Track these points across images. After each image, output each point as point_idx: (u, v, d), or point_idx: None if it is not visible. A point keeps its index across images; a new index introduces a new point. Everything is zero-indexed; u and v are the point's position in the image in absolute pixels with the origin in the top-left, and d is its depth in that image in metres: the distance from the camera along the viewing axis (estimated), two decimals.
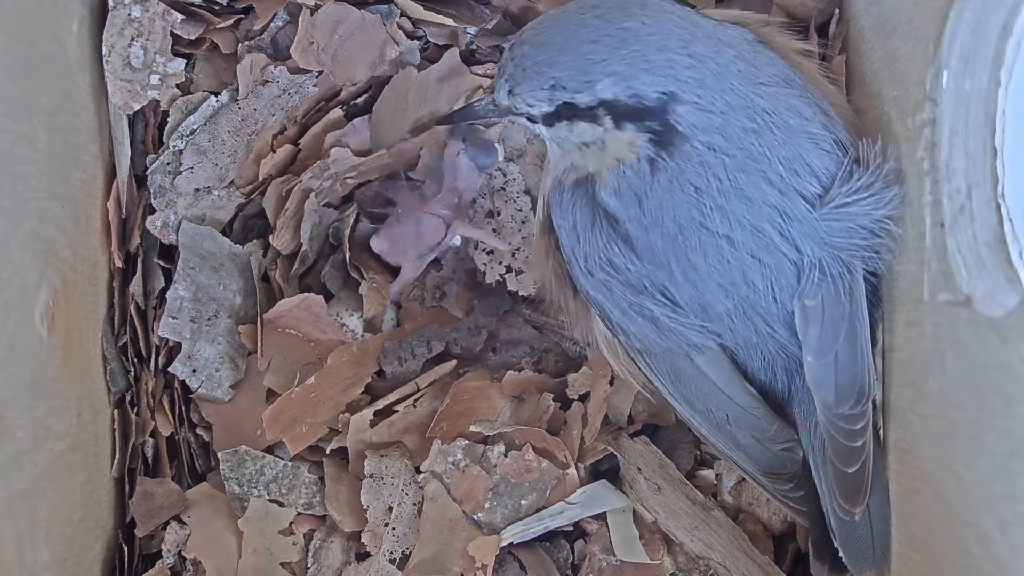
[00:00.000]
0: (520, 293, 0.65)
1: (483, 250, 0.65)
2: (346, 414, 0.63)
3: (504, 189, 0.66)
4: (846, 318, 0.51)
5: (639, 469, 0.62)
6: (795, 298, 0.52)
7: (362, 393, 0.64)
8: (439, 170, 0.65)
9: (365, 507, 0.61)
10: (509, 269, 0.65)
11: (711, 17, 0.52)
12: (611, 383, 0.63)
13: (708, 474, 0.63)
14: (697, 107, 0.49)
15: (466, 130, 0.65)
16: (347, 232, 0.65)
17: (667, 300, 0.53)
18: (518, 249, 0.65)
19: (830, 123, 0.52)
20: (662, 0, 0.50)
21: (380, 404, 0.63)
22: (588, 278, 0.54)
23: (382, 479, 0.62)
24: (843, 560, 0.54)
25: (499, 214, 0.66)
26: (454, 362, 0.64)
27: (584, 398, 0.63)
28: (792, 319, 0.52)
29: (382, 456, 0.62)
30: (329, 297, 0.66)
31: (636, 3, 0.49)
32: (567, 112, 0.50)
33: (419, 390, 0.64)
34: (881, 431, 0.54)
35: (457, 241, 0.66)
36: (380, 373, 0.65)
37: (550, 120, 0.51)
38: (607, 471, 0.64)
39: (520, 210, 0.66)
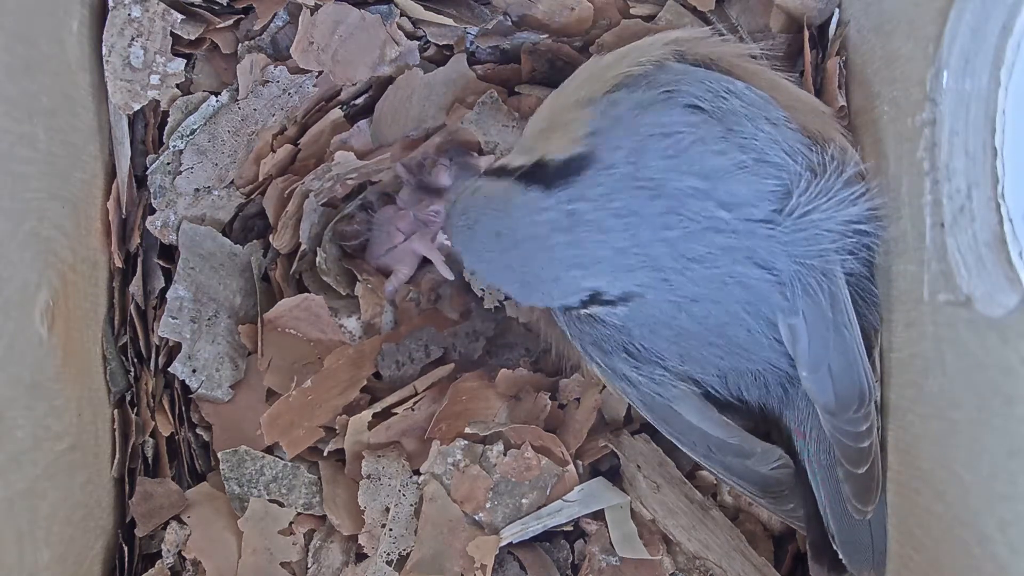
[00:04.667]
0: (520, 320, 0.65)
1: None
2: (344, 416, 0.63)
3: None
4: (831, 328, 0.51)
5: (639, 467, 0.62)
6: (778, 320, 0.52)
7: (362, 392, 0.64)
8: (417, 185, 0.66)
9: (362, 508, 0.61)
10: (508, 296, 0.65)
11: (581, 159, 0.51)
12: (601, 391, 0.63)
13: (708, 474, 0.63)
14: (619, 279, 0.51)
15: (456, 151, 0.65)
16: (327, 237, 0.66)
17: (629, 356, 0.54)
18: None
19: (779, 133, 0.51)
20: (546, 212, 0.50)
21: (378, 407, 0.63)
22: (568, 331, 0.57)
23: (379, 480, 0.62)
24: (843, 561, 0.54)
25: None
26: (452, 365, 0.64)
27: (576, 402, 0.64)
28: (778, 339, 0.53)
29: (379, 457, 0.62)
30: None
31: (528, 235, 0.50)
32: None
33: (417, 393, 0.64)
34: (881, 431, 0.54)
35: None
36: (378, 374, 0.65)
37: None
38: (607, 471, 0.64)
39: None
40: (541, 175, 0.51)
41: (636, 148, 0.50)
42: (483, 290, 0.65)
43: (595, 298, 0.51)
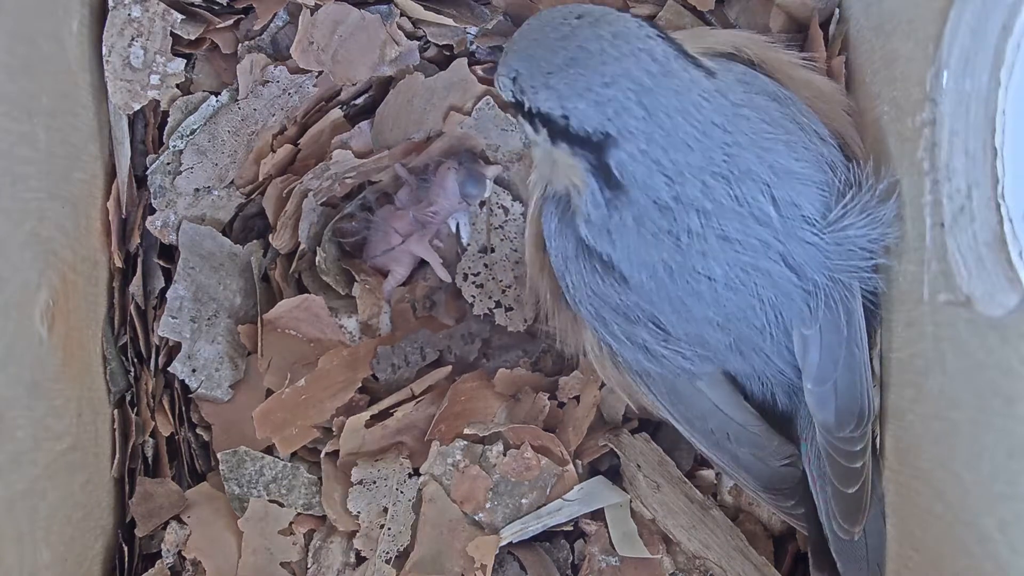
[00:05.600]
0: (509, 329, 0.65)
1: (472, 283, 0.65)
2: (340, 417, 0.63)
3: (502, 227, 0.66)
4: (844, 345, 0.51)
5: (639, 467, 0.62)
6: (794, 327, 0.52)
7: (362, 394, 0.64)
8: (418, 186, 0.66)
9: (355, 513, 0.61)
10: (499, 304, 0.65)
11: (703, 66, 0.49)
12: (601, 387, 0.63)
13: (708, 473, 0.63)
14: (638, 162, 0.48)
15: (465, 156, 0.65)
16: (327, 236, 0.66)
17: (658, 328, 0.53)
18: (509, 287, 0.65)
19: (825, 148, 0.52)
20: (654, 40, 0.47)
21: (375, 409, 0.63)
22: (578, 304, 0.55)
23: (373, 483, 0.62)
24: (840, 572, 0.54)
25: (493, 251, 0.66)
26: (449, 367, 0.64)
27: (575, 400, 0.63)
28: (790, 348, 0.53)
29: (376, 460, 0.62)
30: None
31: (613, 30, 0.47)
32: (518, 108, 0.50)
33: (414, 396, 0.63)
34: (877, 438, 0.54)
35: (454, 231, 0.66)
36: (374, 376, 0.65)
37: (515, 110, 0.51)
38: (607, 471, 0.64)
39: (515, 250, 0.65)
40: (662, 35, 0.49)
41: (740, 111, 0.49)
42: (473, 297, 0.65)
43: (605, 141, 0.48)
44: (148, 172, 0.66)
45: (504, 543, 0.61)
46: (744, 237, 0.50)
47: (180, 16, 0.64)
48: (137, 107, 0.65)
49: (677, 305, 0.52)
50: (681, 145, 0.48)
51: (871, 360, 0.54)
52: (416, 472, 0.62)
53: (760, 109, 0.50)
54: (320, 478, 0.63)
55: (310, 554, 0.62)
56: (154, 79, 0.65)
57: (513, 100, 0.50)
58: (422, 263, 0.66)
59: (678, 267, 0.51)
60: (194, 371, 0.64)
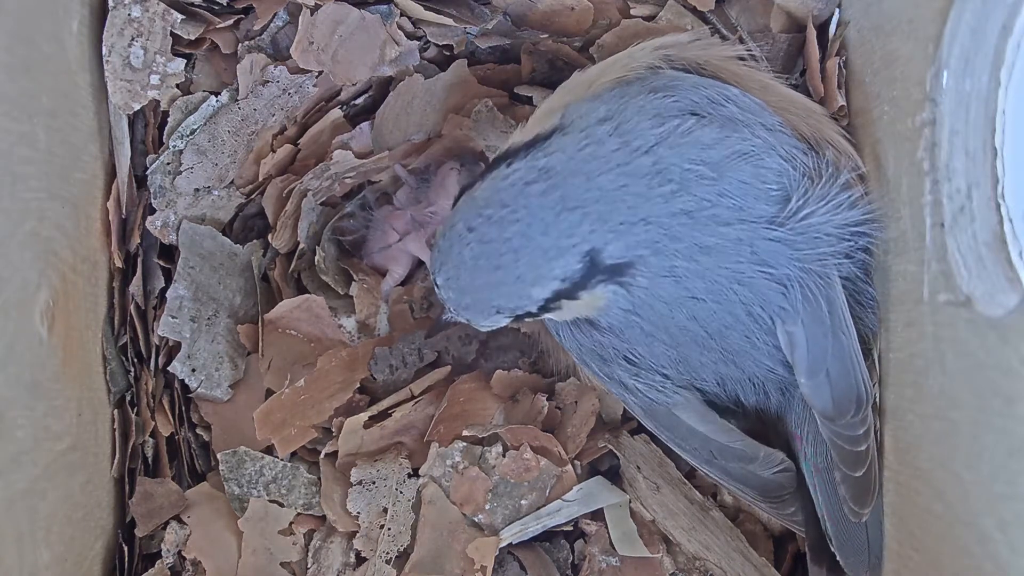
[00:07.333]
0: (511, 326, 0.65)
1: None
2: (339, 418, 0.63)
3: None
4: (829, 334, 0.52)
5: (638, 468, 0.62)
6: (777, 325, 0.52)
7: (361, 394, 0.64)
8: (418, 186, 0.65)
9: (355, 513, 0.61)
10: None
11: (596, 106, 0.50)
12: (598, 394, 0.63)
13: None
14: (617, 235, 0.49)
15: (466, 157, 0.65)
16: (326, 236, 0.66)
17: (629, 364, 0.54)
18: None
19: (774, 139, 0.51)
20: (505, 172, 0.49)
21: (374, 410, 0.63)
22: (564, 342, 0.56)
23: (373, 483, 0.62)
24: (840, 564, 0.54)
25: None
26: (448, 368, 0.64)
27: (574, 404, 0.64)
28: (776, 346, 0.53)
29: (376, 460, 0.62)
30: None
31: (499, 202, 0.48)
32: (525, 313, 0.51)
33: (413, 396, 0.63)
34: (878, 432, 0.54)
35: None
36: (372, 377, 0.65)
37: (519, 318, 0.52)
38: (607, 471, 0.64)
39: None
40: (503, 157, 0.50)
41: (620, 120, 0.49)
42: None
43: (595, 265, 0.49)
44: (148, 172, 0.66)
45: (504, 544, 0.61)
46: (719, 241, 0.50)
47: (180, 16, 0.64)
48: (137, 107, 0.65)
49: (675, 340, 0.53)
50: (612, 179, 0.48)
51: (876, 360, 0.54)
52: (415, 472, 0.62)
53: (647, 109, 0.50)
54: (320, 478, 0.63)
55: (310, 554, 0.62)
56: (154, 79, 0.65)
57: (512, 318, 0.52)
58: (420, 264, 0.66)
59: (681, 301, 0.51)
60: (194, 371, 0.64)
